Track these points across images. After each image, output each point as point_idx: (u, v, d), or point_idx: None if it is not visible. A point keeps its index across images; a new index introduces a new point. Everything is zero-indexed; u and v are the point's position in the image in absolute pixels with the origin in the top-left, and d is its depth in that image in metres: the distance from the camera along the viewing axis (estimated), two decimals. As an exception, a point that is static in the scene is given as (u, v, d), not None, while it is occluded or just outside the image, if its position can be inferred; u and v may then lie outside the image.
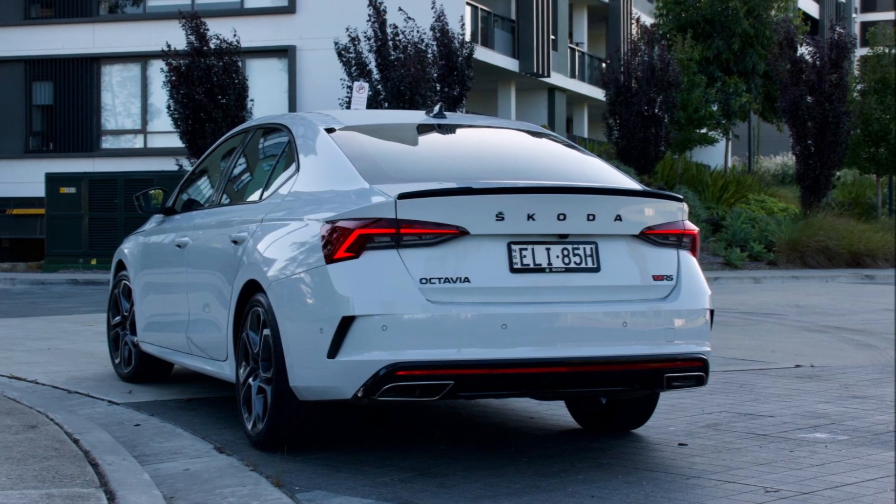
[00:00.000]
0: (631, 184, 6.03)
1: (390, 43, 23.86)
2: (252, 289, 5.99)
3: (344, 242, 5.34)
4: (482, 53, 30.00)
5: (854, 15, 61.51)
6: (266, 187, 6.41)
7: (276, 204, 6.11)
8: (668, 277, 5.71)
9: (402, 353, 5.21)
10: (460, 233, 5.32)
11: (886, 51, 30.52)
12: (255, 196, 6.54)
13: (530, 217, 5.37)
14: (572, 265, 5.49)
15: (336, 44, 24.12)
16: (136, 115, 30.31)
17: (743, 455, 5.77)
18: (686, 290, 5.72)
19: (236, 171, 7.16)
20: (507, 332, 5.28)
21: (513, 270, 5.39)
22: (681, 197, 5.84)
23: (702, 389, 7.45)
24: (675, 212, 5.80)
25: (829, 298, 17.35)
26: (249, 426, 5.93)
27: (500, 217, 5.34)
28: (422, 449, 5.94)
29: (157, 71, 27.33)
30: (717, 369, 8.26)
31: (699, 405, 7.23)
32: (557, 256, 5.47)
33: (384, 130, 6.54)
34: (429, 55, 23.96)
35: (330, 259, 5.37)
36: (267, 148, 6.91)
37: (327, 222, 5.45)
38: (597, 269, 5.54)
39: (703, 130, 30.85)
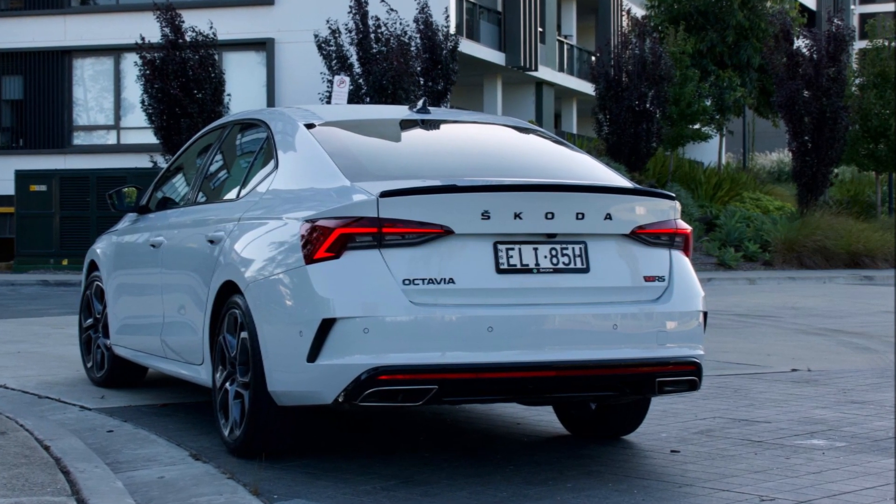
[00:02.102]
0: (621, 181, 5.97)
1: (372, 35, 23.78)
2: (229, 290, 5.92)
3: (324, 242, 5.26)
4: (467, 46, 29.94)
5: (852, 7, 61.71)
6: (244, 185, 6.35)
7: (253, 202, 6.04)
8: (660, 278, 5.63)
9: (384, 357, 5.14)
10: (444, 232, 5.24)
11: (886, 44, 30.49)
12: (232, 194, 6.48)
13: (517, 216, 5.29)
14: (560, 265, 5.42)
15: (316, 36, 24.02)
16: (109, 111, 30.18)
17: (737, 462, 5.71)
18: (678, 292, 5.64)
19: (213, 168, 7.10)
20: (493, 335, 5.20)
21: (499, 271, 5.31)
22: (673, 195, 5.80)
23: (695, 394, 7.39)
24: (667, 210, 5.72)
25: (826, 300, 17.34)
26: (226, 432, 5.86)
27: (485, 216, 5.26)
28: (405, 456, 5.89)
29: (131, 64, 27.19)
30: (710, 373, 8.18)
31: (692, 411, 7.18)
32: (545, 256, 5.40)
33: (366, 126, 6.48)
34: (412, 48, 23.87)
35: (310, 259, 5.30)
36: (244, 144, 6.86)
37: (307, 221, 5.37)
38: (586, 270, 5.46)
39: (696, 126, 30.80)
